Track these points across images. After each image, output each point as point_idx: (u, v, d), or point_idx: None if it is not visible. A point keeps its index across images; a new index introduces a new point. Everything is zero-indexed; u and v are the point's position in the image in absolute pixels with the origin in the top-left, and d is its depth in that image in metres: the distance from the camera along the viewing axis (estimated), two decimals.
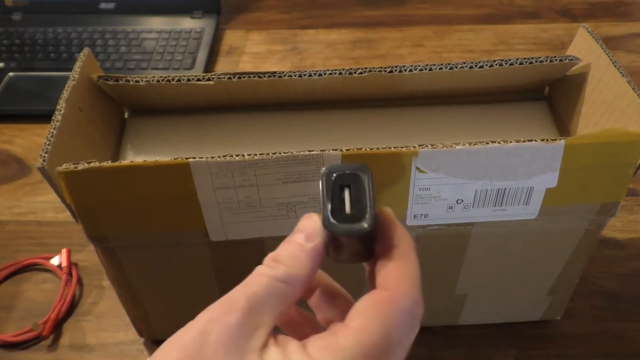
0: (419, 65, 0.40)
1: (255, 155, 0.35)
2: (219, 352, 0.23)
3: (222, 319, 0.24)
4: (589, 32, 0.44)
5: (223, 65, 0.81)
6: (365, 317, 0.24)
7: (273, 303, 0.25)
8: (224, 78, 0.40)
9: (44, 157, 0.35)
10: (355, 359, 0.23)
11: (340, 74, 0.40)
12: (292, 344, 0.24)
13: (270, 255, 0.27)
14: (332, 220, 0.25)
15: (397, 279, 0.25)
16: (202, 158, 0.34)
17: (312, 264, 0.26)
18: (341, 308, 0.29)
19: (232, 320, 0.24)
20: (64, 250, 0.57)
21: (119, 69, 0.78)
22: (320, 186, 0.26)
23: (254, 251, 0.39)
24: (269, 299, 0.25)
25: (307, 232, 0.27)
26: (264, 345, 0.24)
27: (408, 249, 0.26)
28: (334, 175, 0.26)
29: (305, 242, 0.26)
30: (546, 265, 0.45)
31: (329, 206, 0.26)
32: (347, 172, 0.26)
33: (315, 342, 0.24)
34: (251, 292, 0.25)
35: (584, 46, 0.44)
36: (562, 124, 0.46)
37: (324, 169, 0.27)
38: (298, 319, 0.31)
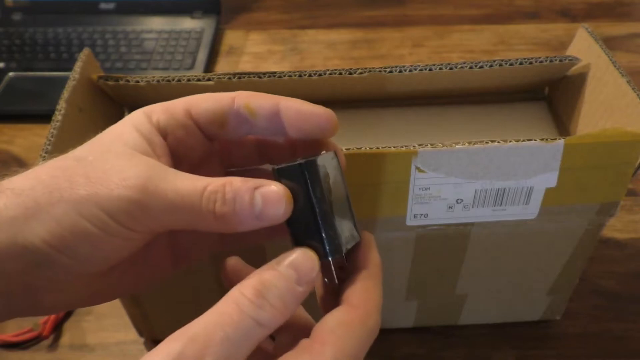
0: (419, 65, 0.41)
1: None
2: None
3: None
4: (588, 32, 0.44)
5: (223, 65, 0.81)
6: (339, 335, 0.24)
7: (247, 347, 0.23)
8: (224, 78, 0.40)
9: (44, 157, 0.35)
10: None
11: (340, 74, 0.40)
12: None
13: (256, 285, 0.23)
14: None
15: (366, 298, 0.25)
16: None
17: (295, 310, 0.24)
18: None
19: None
20: None
21: (119, 69, 0.78)
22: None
23: (254, 251, 0.39)
24: (245, 343, 0.22)
25: (301, 273, 0.24)
26: None
27: (377, 271, 0.27)
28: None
29: (297, 284, 0.24)
30: (546, 265, 0.45)
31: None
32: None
33: None
34: (227, 334, 0.22)
35: (583, 46, 0.44)
36: (562, 124, 0.46)
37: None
38: None
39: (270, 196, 0.24)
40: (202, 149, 0.29)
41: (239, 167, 0.31)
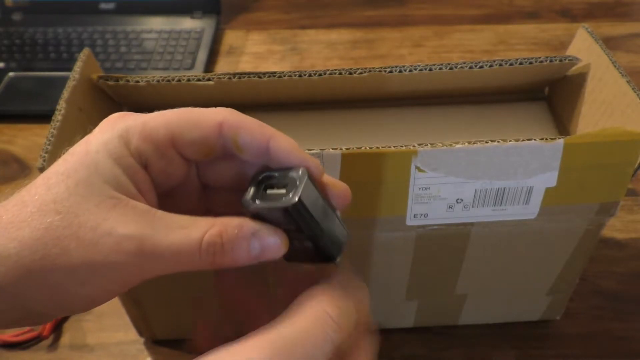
0: (419, 65, 0.41)
1: None
2: None
3: None
4: (588, 32, 0.44)
5: (223, 65, 0.81)
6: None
7: None
8: (224, 78, 0.40)
9: (44, 157, 0.35)
10: None
11: (340, 74, 0.40)
12: None
13: (340, 312, 0.25)
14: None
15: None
16: None
17: None
18: None
19: None
20: None
21: (119, 69, 0.78)
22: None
23: None
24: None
25: (359, 302, 0.27)
26: None
27: None
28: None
29: (354, 312, 0.27)
30: (546, 265, 0.45)
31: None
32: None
33: None
34: (311, 354, 0.24)
35: (583, 46, 0.44)
36: (562, 123, 0.46)
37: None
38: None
39: (267, 244, 0.26)
40: (181, 172, 0.28)
41: (217, 180, 0.30)
